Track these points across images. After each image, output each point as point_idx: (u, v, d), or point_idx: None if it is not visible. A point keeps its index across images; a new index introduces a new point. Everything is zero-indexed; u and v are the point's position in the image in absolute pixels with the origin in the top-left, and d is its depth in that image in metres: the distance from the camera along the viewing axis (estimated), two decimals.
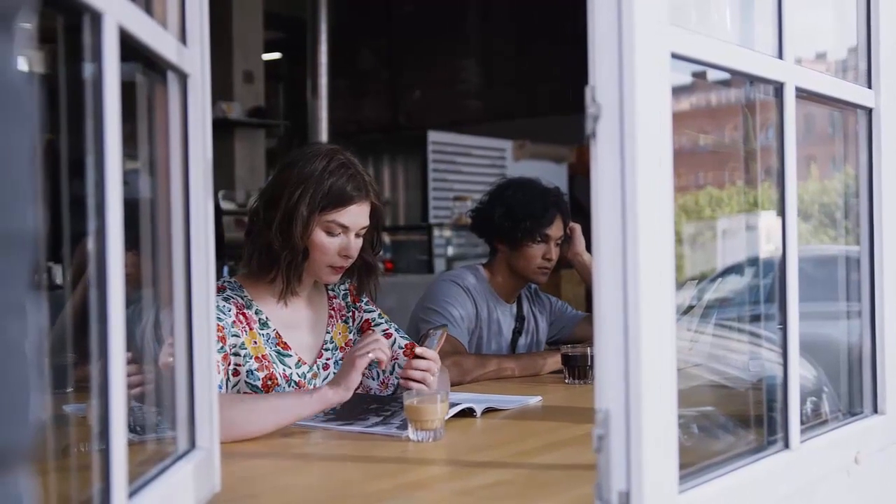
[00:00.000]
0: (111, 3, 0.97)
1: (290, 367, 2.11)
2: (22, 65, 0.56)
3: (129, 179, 1.03)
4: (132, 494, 1.04)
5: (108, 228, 0.96)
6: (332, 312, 2.26)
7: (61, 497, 1.10)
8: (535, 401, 2.27)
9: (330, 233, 2.08)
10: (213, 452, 1.35)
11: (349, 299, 2.30)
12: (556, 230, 2.91)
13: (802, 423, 1.48)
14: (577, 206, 5.10)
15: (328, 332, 2.23)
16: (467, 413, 2.04)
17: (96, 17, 0.95)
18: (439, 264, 7.14)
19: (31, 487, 0.57)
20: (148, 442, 1.38)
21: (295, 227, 2.04)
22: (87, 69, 0.97)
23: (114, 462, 0.97)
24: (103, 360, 0.97)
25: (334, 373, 2.17)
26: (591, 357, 2.57)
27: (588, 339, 2.87)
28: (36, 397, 0.56)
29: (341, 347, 2.24)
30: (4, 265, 0.53)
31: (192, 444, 1.32)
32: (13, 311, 0.54)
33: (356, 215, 2.09)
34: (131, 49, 1.06)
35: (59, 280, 2.21)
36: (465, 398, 2.14)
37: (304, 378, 2.13)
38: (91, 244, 0.97)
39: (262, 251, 2.10)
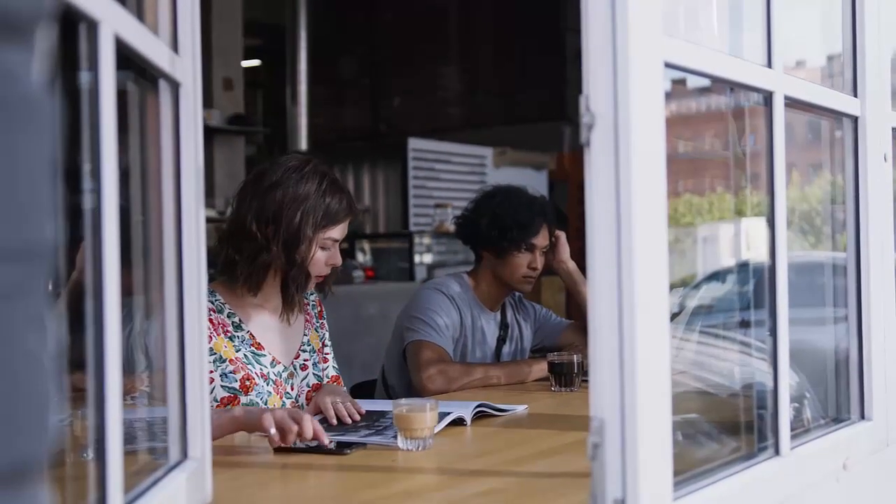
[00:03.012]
0: (107, 11, 0.96)
1: (265, 367, 2.18)
2: (40, 76, 0.56)
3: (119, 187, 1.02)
4: None
5: (104, 237, 0.96)
6: (308, 317, 2.36)
7: None
8: (521, 409, 2.27)
9: (324, 248, 2.20)
10: (205, 463, 1.35)
11: (315, 311, 2.40)
12: (542, 239, 2.91)
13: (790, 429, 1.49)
14: (557, 214, 5.09)
15: (305, 335, 2.33)
16: (456, 422, 2.03)
17: (92, 26, 0.95)
18: (420, 272, 7.12)
19: (50, 500, 0.56)
20: (138, 452, 1.37)
21: (301, 247, 2.15)
22: (83, 77, 0.96)
23: (110, 473, 0.96)
24: (99, 371, 0.96)
25: (313, 373, 2.30)
26: (578, 364, 2.57)
27: (572, 347, 2.87)
28: (54, 409, 0.55)
29: (317, 350, 2.34)
30: (23, 277, 0.52)
31: (185, 455, 1.31)
32: (33, 323, 0.53)
33: (345, 228, 2.24)
34: (124, 57, 1.05)
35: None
36: (453, 406, 2.14)
37: (281, 377, 2.21)
38: (87, 252, 0.96)
39: (259, 268, 2.14)
